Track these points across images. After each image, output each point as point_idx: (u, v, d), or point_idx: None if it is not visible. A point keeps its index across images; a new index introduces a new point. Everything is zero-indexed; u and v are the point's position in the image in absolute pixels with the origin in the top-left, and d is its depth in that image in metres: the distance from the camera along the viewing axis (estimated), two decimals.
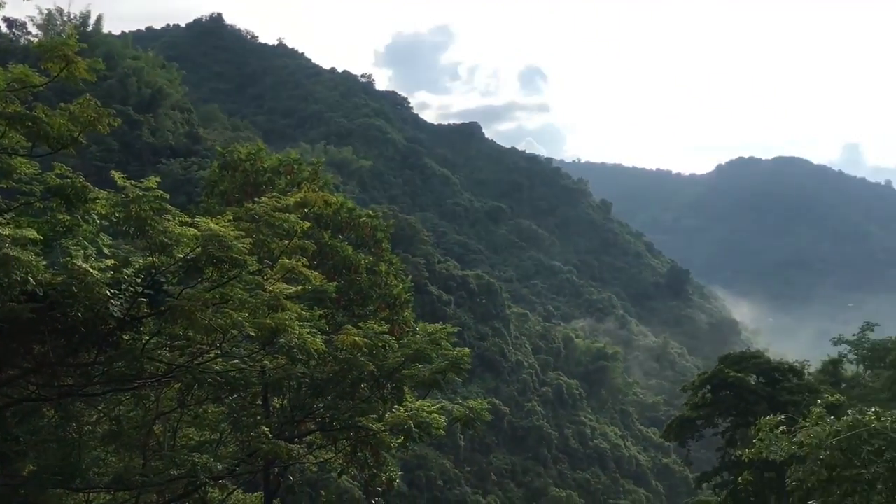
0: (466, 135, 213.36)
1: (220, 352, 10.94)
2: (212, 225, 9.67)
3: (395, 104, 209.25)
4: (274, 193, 13.73)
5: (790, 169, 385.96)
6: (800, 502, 14.13)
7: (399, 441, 15.34)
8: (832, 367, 46.66)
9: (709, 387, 34.57)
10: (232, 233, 9.70)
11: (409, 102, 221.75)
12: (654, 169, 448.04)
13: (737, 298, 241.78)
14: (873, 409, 14.39)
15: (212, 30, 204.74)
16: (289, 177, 19.62)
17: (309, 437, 16.59)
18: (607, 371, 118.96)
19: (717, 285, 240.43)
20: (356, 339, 13.90)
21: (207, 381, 11.19)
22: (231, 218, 10.86)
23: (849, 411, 14.24)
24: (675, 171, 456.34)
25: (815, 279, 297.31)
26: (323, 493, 43.93)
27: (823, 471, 13.43)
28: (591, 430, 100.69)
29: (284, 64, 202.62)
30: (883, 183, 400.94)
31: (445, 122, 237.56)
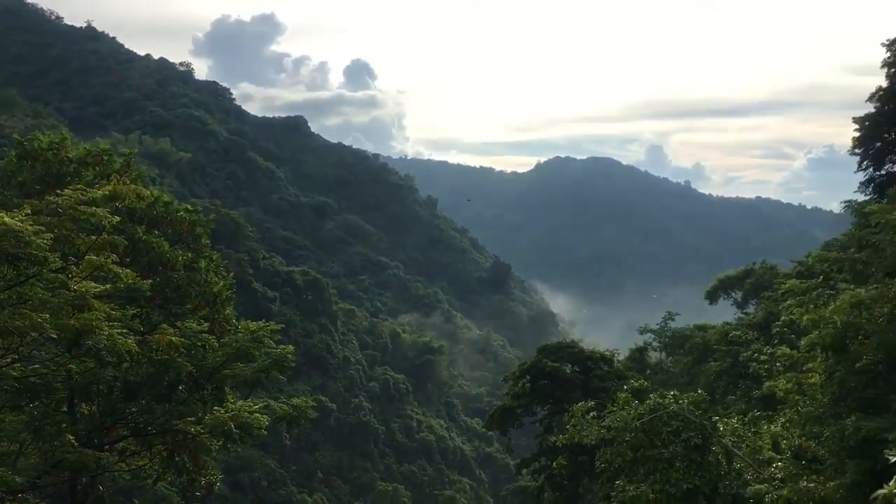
0: (292, 128, 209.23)
1: (17, 356, 10.11)
2: (6, 219, 8.92)
3: (216, 95, 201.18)
4: (79, 186, 12.82)
5: (602, 168, 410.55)
6: (608, 482, 15.05)
7: (220, 443, 14.87)
8: (638, 355, 50.05)
9: (528, 377, 35.97)
10: (30, 227, 8.99)
11: (231, 94, 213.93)
12: (478, 166, 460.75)
13: (554, 292, 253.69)
14: (672, 393, 15.57)
15: (9, 8, 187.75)
16: (97, 168, 18.35)
17: (121, 444, 15.69)
18: (433, 364, 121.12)
19: (536, 279, 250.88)
20: (173, 338, 13.31)
21: (3, 387, 10.32)
22: (29, 212, 10.05)
23: (651, 395, 15.33)
24: (497, 168, 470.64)
25: (625, 273, 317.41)
26: (136, 501, 41.69)
27: (629, 452, 14.39)
28: (417, 424, 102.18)
29: (94, 48, 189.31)
30: (683, 183, 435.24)
31: (270, 115, 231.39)
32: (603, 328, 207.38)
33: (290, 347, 15.83)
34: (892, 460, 2.97)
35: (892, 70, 50.42)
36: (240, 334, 15.42)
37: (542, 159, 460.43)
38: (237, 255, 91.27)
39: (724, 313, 52.57)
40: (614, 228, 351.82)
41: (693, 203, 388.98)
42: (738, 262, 55.84)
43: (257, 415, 14.33)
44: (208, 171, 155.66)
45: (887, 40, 50.77)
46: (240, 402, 15.01)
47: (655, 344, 50.08)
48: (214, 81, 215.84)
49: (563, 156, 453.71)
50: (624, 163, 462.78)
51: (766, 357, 18.10)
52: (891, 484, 2.92)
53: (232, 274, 19.70)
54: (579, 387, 34.34)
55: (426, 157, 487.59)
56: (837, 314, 12.21)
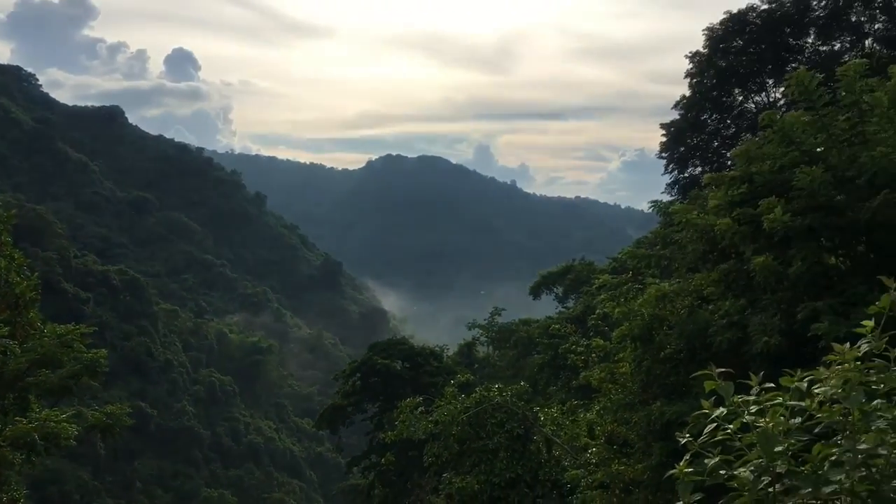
0: (107, 119, 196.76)
1: None
2: None
3: (19, 80, 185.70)
4: None
5: (432, 167, 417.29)
6: (436, 475, 15.32)
7: (23, 456, 13.76)
8: (467, 350, 51.32)
9: (359, 374, 35.99)
10: None
11: (37, 79, 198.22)
12: (308, 163, 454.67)
13: (386, 289, 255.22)
14: (497, 386, 16.05)
15: None
16: None
17: None
18: (262, 365, 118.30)
19: (367, 277, 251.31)
20: None
21: None
22: None
23: (476, 389, 15.75)
24: (328, 165, 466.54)
25: (454, 270, 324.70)
26: None
27: (455, 445, 14.70)
28: (245, 426, 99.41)
29: None
30: (509, 182, 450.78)
31: (83, 104, 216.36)
32: (433, 324, 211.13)
33: (103, 351, 14.93)
34: (682, 442, 3.20)
35: (695, 80, 54.76)
36: (46, 338, 14.34)
37: (374, 157, 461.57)
38: (44, 253, 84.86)
39: (547, 308, 54.96)
40: (444, 226, 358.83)
41: (519, 202, 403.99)
42: (560, 258, 58.40)
43: (65, 424, 13.39)
44: (11, 163, 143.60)
45: (690, 52, 55.13)
46: (46, 411, 13.95)
47: (483, 339, 51.61)
48: (18, 66, 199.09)
49: (394, 154, 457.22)
50: (453, 161, 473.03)
51: (582, 349, 19.20)
52: (681, 464, 3.14)
53: (37, 274, 18.24)
54: (409, 383, 34.76)
55: (254, 153, 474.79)
56: (644, 307, 13.10)
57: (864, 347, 3.23)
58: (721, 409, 3.13)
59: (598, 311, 17.57)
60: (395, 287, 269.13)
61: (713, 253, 14.51)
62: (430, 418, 14.94)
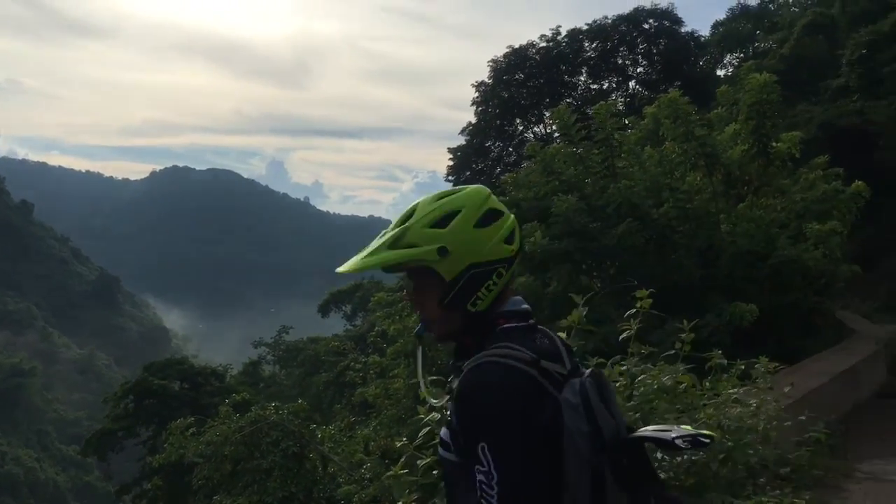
0: None
1: None
2: None
3: None
4: None
5: (223, 180, 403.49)
6: (206, 499, 14.85)
7: None
8: (252, 369, 50.08)
9: (131, 396, 34.02)
10: None
11: None
12: (83, 171, 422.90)
13: (169, 306, 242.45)
14: (274, 404, 15.88)
15: None
16: None
17: None
18: (24, 389, 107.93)
19: (149, 293, 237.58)
20: None
21: None
22: None
23: (252, 408, 15.49)
24: (107, 174, 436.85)
25: (244, 287, 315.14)
26: None
27: (228, 465, 14.35)
28: (1, 456, 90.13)
29: None
30: (302, 199, 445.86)
31: None
32: (220, 343, 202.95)
33: None
34: (398, 444, 3.48)
35: (480, 108, 57.60)
36: None
37: (158, 167, 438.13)
38: None
39: (336, 326, 54.98)
40: (234, 242, 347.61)
41: (312, 219, 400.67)
42: (352, 277, 58.78)
43: None
44: None
45: (476, 82, 57.93)
46: None
47: (270, 357, 50.67)
48: None
49: (181, 165, 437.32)
50: (245, 176, 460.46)
51: (360, 365, 19.46)
52: (395, 467, 3.40)
53: None
54: (188, 404, 33.31)
55: (21, 157, 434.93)
56: (417, 323, 13.63)
57: None
58: (434, 413, 3.42)
59: (376, 327, 17.92)
60: (180, 304, 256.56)
61: None
62: (202, 438, 14.49)
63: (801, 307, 14.02)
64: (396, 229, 1.77)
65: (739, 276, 13.04)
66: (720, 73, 61.70)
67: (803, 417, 7.21)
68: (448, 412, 1.81)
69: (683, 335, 5.25)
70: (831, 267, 14.14)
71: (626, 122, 38.96)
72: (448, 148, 56.10)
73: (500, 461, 1.65)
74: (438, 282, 1.72)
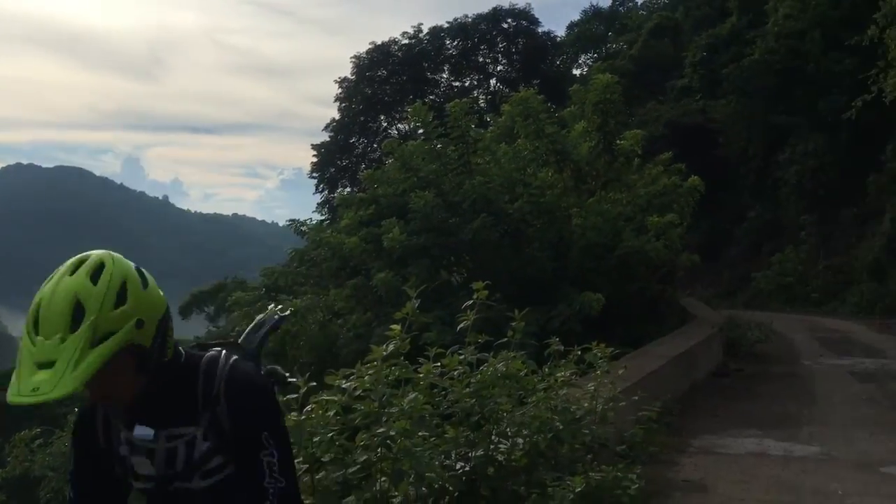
0: None
1: None
2: None
3: None
4: None
5: (73, 178, 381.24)
6: None
7: None
8: None
9: None
10: None
11: None
12: None
13: (15, 312, 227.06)
14: None
15: None
16: None
17: None
18: None
19: None
20: None
21: None
22: None
23: None
24: None
25: None
26: None
27: None
28: None
29: None
30: (161, 197, 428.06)
31: None
32: None
33: None
34: None
35: (343, 105, 57.32)
36: None
37: (0, 165, 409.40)
38: None
39: (198, 328, 53.23)
40: (88, 243, 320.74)
41: (172, 218, 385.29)
42: (217, 276, 57.06)
43: None
44: None
45: (339, 78, 57.61)
46: None
47: None
48: None
49: (25, 162, 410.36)
50: (98, 174, 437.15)
51: None
52: None
53: None
54: (35, 415, 31.43)
55: None
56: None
57: (391, 347, 3.82)
58: None
59: (235, 329, 17.59)
60: (27, 309, 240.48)
61: (345, 270, 15.39)
62: (49, 451, 13.80)
63: (646, 295, 14.90)
64: (82, 330, 1.62)
65: (589, 267, 13.69)
66: (576, 71, 64.26)
67: (636, 398, 7.69)
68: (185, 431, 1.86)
69: (514, 324, 5.53)
70: (672, 257, 15.10)
71: (487, 119, 39.95)
72: (312, 144, 55.55)
73: (281, 442, 1.84)
74: (135, 354, 1.74)
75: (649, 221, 13.71)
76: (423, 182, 13.92)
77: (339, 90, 55.93)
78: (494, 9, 56.19)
